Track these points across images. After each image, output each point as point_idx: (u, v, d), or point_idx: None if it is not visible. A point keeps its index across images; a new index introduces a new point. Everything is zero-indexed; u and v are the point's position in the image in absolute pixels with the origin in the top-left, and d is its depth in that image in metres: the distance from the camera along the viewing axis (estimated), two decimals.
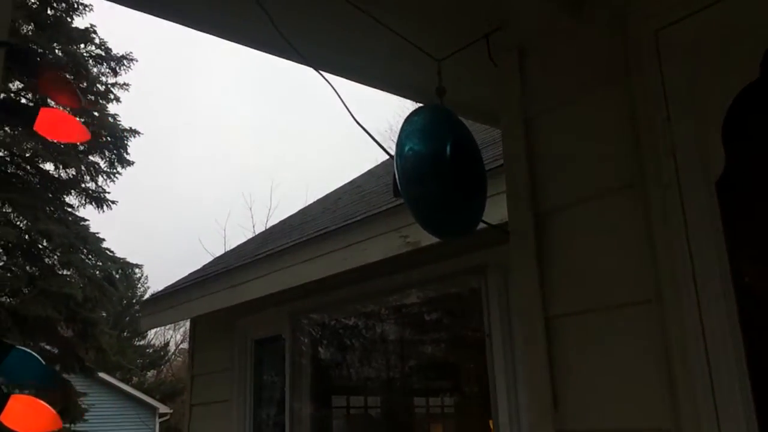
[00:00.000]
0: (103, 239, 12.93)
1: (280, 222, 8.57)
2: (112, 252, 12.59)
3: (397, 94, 2.29)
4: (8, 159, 12.91)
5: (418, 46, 1.78)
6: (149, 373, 33.21)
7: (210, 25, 1.92)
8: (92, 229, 12.95)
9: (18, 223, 11.16)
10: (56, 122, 1.82)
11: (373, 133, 1.95)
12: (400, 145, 1.69)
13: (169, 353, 33.87)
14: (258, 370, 6.13)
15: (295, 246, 5.06)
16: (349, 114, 1.73)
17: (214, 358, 6.43)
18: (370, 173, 8.34)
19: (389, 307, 5.25)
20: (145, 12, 1.84)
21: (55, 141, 13.25)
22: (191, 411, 6.66)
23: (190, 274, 7.12)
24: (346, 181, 8.63)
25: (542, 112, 1.93)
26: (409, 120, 1.74)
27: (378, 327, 5.54)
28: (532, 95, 1.96)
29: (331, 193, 8.46)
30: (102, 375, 19.53)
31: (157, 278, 39.85)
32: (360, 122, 1.73)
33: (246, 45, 1.95)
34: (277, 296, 5.26)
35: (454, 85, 2.01)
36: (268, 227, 15.81)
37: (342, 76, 2.04)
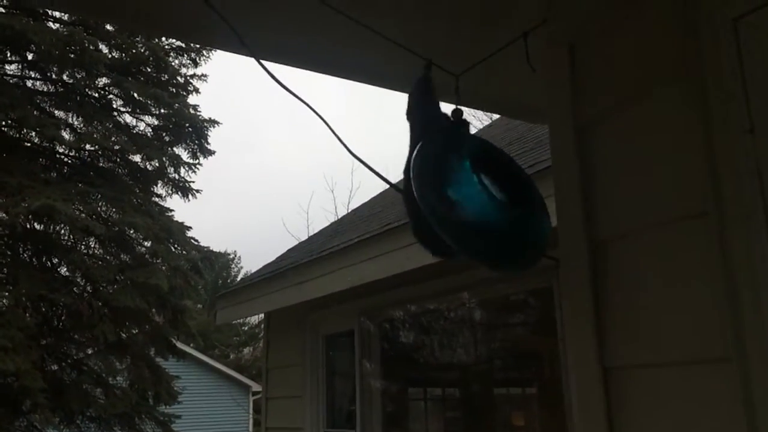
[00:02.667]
0: (189, 227, 13.27)
1: (353, 211, 8.45)
2: (197, 241, 12.90)
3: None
4: (100, 153, 13.44)
5: (436, 62, 1.51)
6: (246, 350, 34.42)
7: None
8: (179, 219, 13.35)
9: (107, 216, 11.60)
10: None
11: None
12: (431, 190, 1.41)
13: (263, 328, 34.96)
14: (330, 366, 6.06)
15: (358, 244, 4.90)
16: (344, 147, 1.50)
17: (288, 352, 6.41)
18: None
19: (458, 303, 5.01)
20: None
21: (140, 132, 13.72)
22: (267, 405, 6.69)
23: (264, 267, 7.13)
24: None
25: (597, 118, 1.63)
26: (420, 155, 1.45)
27: (447, 324, 5.32)
28: (585, 99, 1.65)
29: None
30: (198, 355, 20.34)
31: (249, 259, 41.19)
32: (356, 154, 1.49)
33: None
34: (346, 292, 5.14)
35: (484, 82, 1.73)
36: (349, 210, 15.84)
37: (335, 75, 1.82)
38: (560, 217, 1.65)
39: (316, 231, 8.79)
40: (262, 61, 1.45)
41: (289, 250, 7.67)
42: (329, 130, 1.51)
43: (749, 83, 1.33)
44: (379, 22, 1.44)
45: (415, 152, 1.42)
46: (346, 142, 1.56)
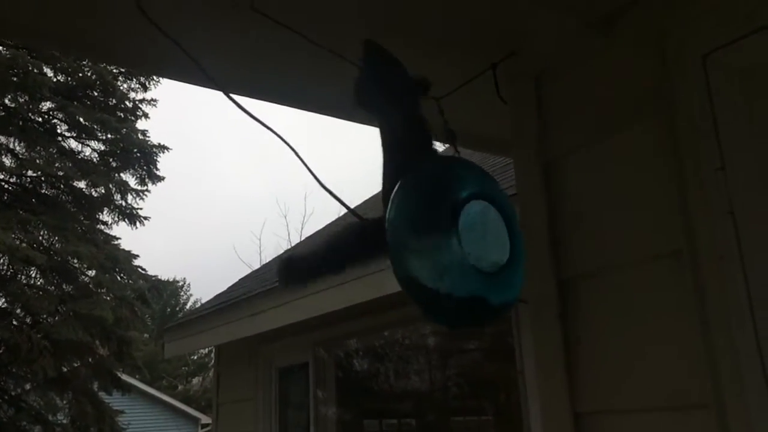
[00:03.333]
0: (137, 256, 12.88)
1: (307, 238, 8.32)
2: (144, 270, 12.52)
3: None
4: (42, 179, 12.97)
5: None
6: (195, 380, 33.47)
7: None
8: (126, 247, 12.95)
9: (49, 244, 11.16)
10: None
11: None
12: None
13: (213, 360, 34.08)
14: (283, 399, 5.87)
15: None
16: (316, 180, 1.41)
17: (239, 385, 6.20)
18: None
19: (415, 332, 4.93)
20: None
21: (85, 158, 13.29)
22: None
23: (214, 298, 6.91)
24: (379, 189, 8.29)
25: (565, 153, 1.59)
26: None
27: (403, 353, 5.23)
28: (553, 132, 1.61)
29: (362, 204, 8.16)
30: (144, 387, 19.64)
31: (200, 286, 40.35)
32: (328, 188, 1.41)
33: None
34: (301, 324, 4.99)
35: (455, 117, 1.67)
36: (302, 236, 15.64)
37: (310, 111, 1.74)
38: (528, 256, 1.59)
39: (269, 258, 8.63)
40: (232, 95, 1.36)
41: (241, 279, 7.47)
42: (299, 160, 1.41)
43: (720, 120, 1.31)
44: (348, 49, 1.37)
45: (395, 190, 1.30)
46: (314, 172, 1.46)
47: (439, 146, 1.57)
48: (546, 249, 1.54)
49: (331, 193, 1.41)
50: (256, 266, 14.71)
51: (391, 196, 1.34)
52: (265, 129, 1.42)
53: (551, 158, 1.60)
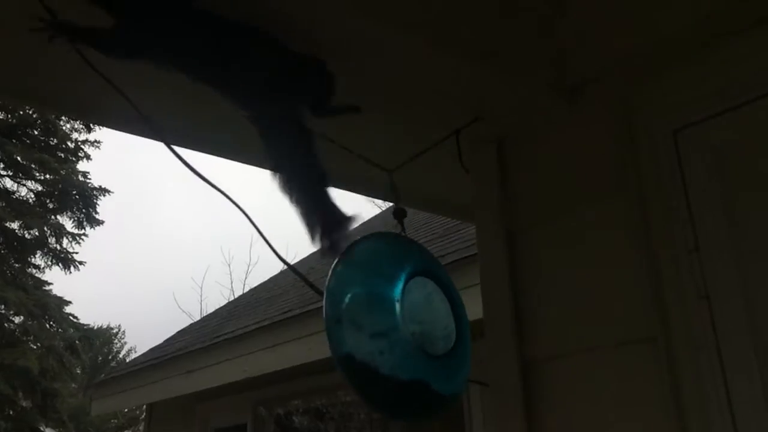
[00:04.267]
0: (69, 302, 12.28)
1: (250, 291, 8.06)
2: (76, 318, 11.92)
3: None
4: None
5: (364, 156, 1.35)
6: None
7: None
8: (58, 292, 12.33)
9: None
10: None
11: None
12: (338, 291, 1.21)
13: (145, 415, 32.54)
14: None
15: (255, 331, 4.57)
16: (266, 243, 1.29)
17: None
18: None
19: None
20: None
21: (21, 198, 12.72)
22: None
23: (148, 352, 6.56)
24: None
25: (530, 225, 1.51)
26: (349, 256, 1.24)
27: (348, 413, 5.02)
28: (517, 202, 1.54)
29: (306, 258, 7.99)
30: None
31: (135, 333, 38.84)
32: (279, 253, 1.29)
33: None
34: (241, 382, 4.75)
35: (412, 182, 1.59)
36: (246, 286, 15.25)
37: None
38: (490, 334, 1.49)
39: (209, 306, 8.31)
40: (174, 147, 1.23)
41: (178, 333, 7.13)
42: (247, 219, 1.29)
43: (692, 198, 1.25)
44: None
45: (337, 260, 1.20)
46: (259, 227, 1.34)
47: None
48: (509, 326, 1.44)
49: (286, 263, 1.29)
50: (196, 315, 14.21)
51: (332, 265, 1.26)
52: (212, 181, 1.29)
53: (515, 229, 1.52)
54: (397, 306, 1.15)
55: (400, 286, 1.18)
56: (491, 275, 1.52)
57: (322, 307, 1.24)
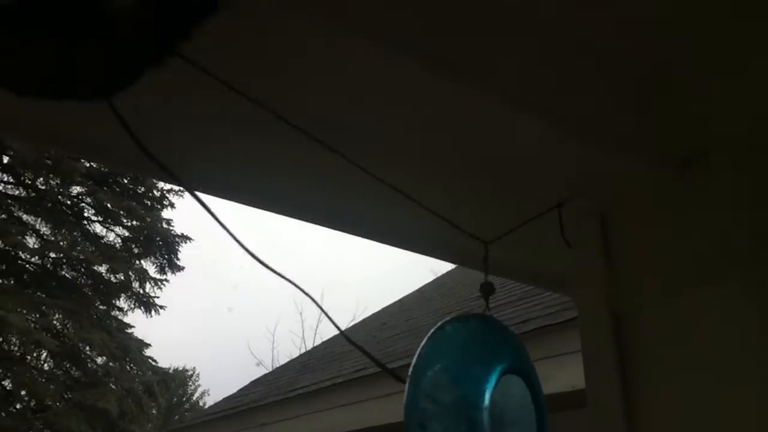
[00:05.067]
0: (148, 345, 12.62)
1: (323, 343, 8.04)
2: (154, 361, 12.21)
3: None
4: (63, 261, 12.96)
5: (461, 228, 1.28)
6: None
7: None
8: (139, 335, 12.70)
9: (62, 328, 10.98)
10: None
11: None
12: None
13: None
14: None
15: (330, 387, 4.51)
16: (312, 300, 1.22)
17: None
18: (419, 292, 7.81)
19: None
20: None
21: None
22: None
23: (222, 401, 6.59)
24: (399, 296, 8.09)
25: (641, 304, 1.39)
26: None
27: None
28: (625, 280, 1.42)
29: (379, 312, 7.94)
30: None
31: (209, 376, 39.48)
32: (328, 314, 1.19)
33: None
34: None
35: (506, 252, 1.50)
36: (317, 335, 15.28)
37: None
38: (595, 425, 1.37)
39: (281, 353, 8.32)
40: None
41: (252, 383, 7.15)
42: (293, 284, 1.20)
43: None
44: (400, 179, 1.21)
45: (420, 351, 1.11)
46: (311, 294, 1.24)
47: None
48: (619, 420, 1.32)
49: (322, 310, 1.21)
50: (268, 361, 14.30)
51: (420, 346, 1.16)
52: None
53: (623, 310, 1.40)
54: (485, 416, 1.05)
55: (490, 389, 1.08)
56: (595, 360, 1.40)
57: (397, 369, 1.15)
